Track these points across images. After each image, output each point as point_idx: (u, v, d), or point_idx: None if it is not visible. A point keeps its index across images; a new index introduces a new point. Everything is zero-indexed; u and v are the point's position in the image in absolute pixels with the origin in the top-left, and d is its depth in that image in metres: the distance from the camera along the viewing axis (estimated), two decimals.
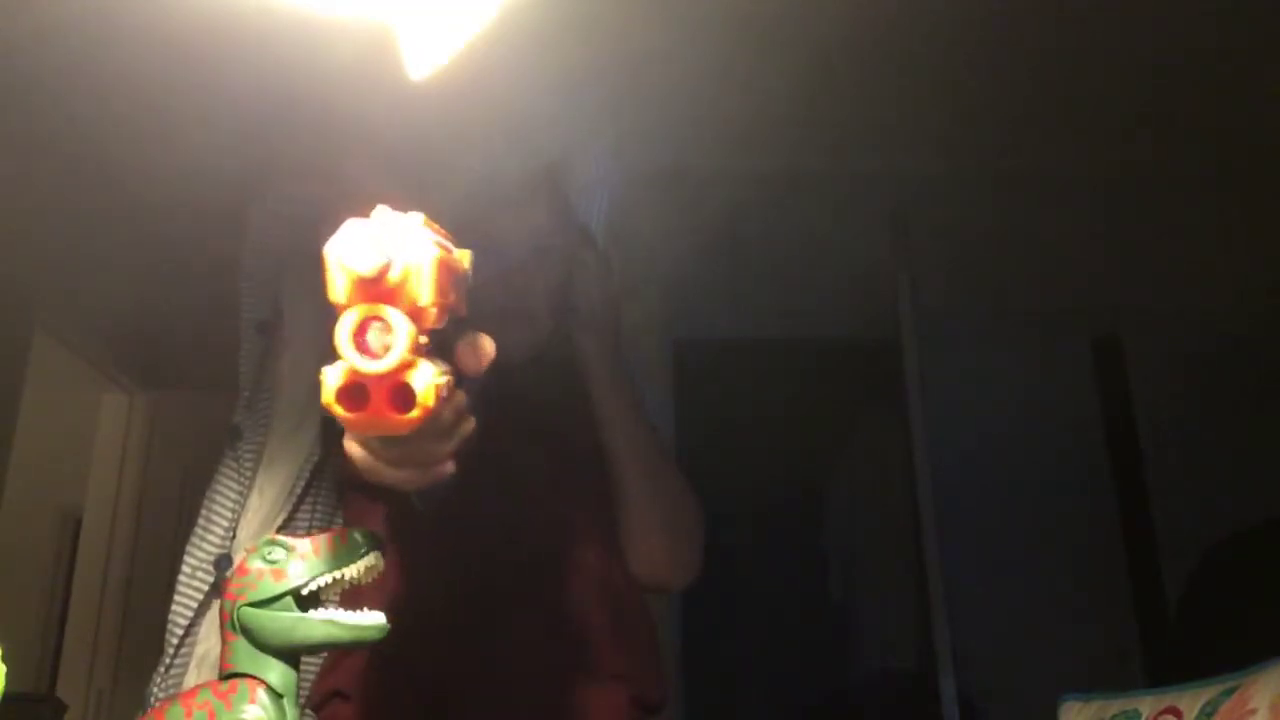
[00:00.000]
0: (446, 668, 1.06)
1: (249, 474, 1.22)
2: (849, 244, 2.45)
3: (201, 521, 1.23)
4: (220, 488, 1.24)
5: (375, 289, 0.57)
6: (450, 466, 0.70)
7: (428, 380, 0.59)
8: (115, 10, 1.67)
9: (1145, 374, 3.09)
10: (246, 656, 0.69)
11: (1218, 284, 2.64)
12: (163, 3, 1.60)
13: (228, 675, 0.69)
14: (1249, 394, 2.73)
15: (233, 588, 0.70)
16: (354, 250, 0.56)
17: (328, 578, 0.69)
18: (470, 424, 0.69)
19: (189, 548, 1.23)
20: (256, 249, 1.32)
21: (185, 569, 1.21)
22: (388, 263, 0.56)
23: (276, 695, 0.68)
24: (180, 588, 1.21)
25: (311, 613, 0.69)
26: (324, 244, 0.59)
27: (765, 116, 2.17)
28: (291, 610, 0.68)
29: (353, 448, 0.70)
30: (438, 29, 1.01)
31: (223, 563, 1.20)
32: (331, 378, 0.59)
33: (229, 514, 1.22)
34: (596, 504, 1.18)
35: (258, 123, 2.02)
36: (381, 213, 0.60)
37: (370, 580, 0.71)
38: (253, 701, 0.67)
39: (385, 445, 0.67)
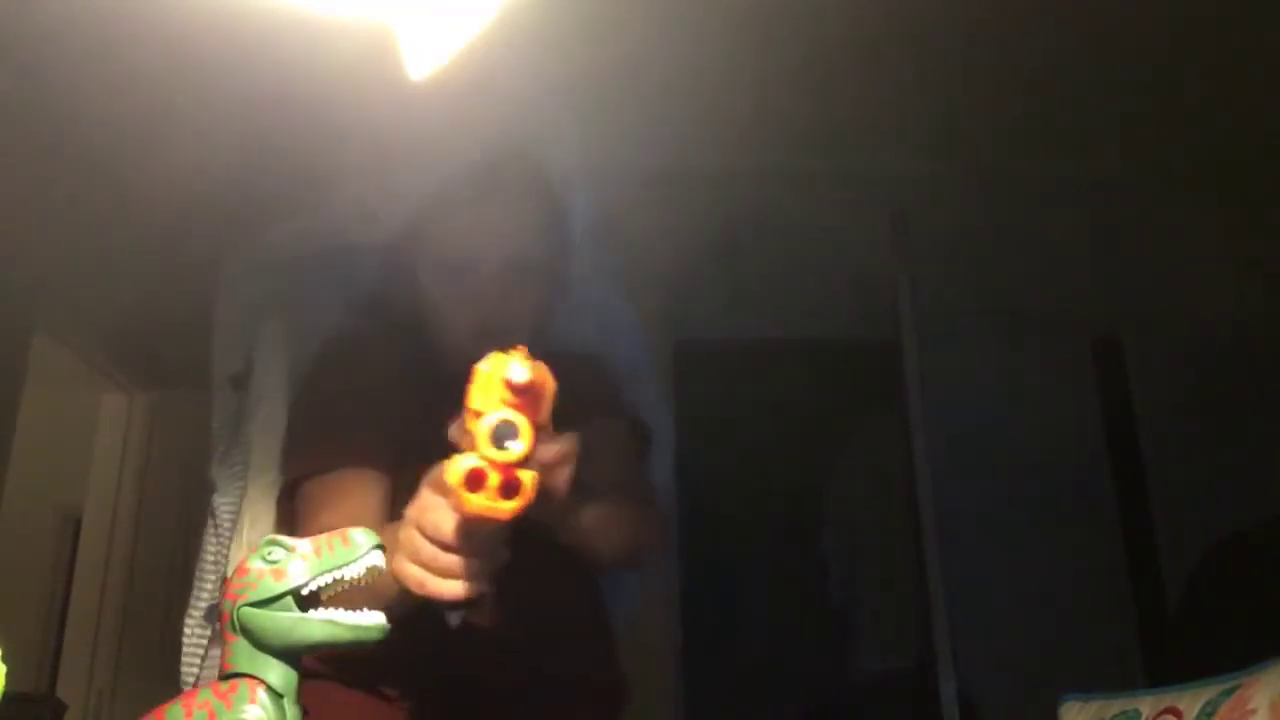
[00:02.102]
0: (422, 665, 1.05)
1: (226, 531, 1.23)
2: (849, 244, 2.44)
3: (195, 585, 1.25)
4: (205, 548, 1.25)
5: (518, 399, 0.72)
6: (488, 585, 0.80)
7: (531, 476, 0.73)
8: (116, 12, 1.67)
9: (1145, 374, 3.09)
10: (246, 656, 0.69)
11: (1218, 284, 2.64)
12: (163, 4, 1.60)
13: (228, 675, 0.69)
14: (1249, 394, 2.73)
15: (233, 588, 0.70)
16: (514, 366, 0.73)
17: (328, 578, 0.69)
18: (507, 554, 0.81)
19: (187, 612, 1.24)
20: (230, 301, 1.32)
21: (185, 631, 1.22)
22: (531, 378, 0.72)
23: (276, 695, 0.68)
24: (184, 648, 1.22)
25: (311, 613, 0.69)
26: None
27: (765, 116, 2.17)
28: (291, 610, 0.68)
29: (404, 567, 0.79)
30: (438, 29, 1.01)
31: (212, 613, 1.21)
32: (462, 464, 0.72)
33: (213, 570, 1.23)
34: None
35: (258, 123, 2.02)
36: (518, 355, 0.76)
37: (371, 580, 0.71)
38: (253, 701, 0.67)
39: (467, 541, 0.78)
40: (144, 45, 1.78)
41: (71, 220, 2.38)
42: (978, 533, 2.54)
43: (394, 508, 1.09)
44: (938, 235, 2.31)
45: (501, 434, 0.71)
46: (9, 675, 0.66)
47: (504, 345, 1.16)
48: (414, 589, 0.79)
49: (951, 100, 2.16)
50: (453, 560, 0.78)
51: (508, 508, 0.72)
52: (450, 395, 1.13)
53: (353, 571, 0.70)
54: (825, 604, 3.06)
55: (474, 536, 0.79)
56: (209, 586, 1.23)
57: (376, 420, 1.13)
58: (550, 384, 0.75)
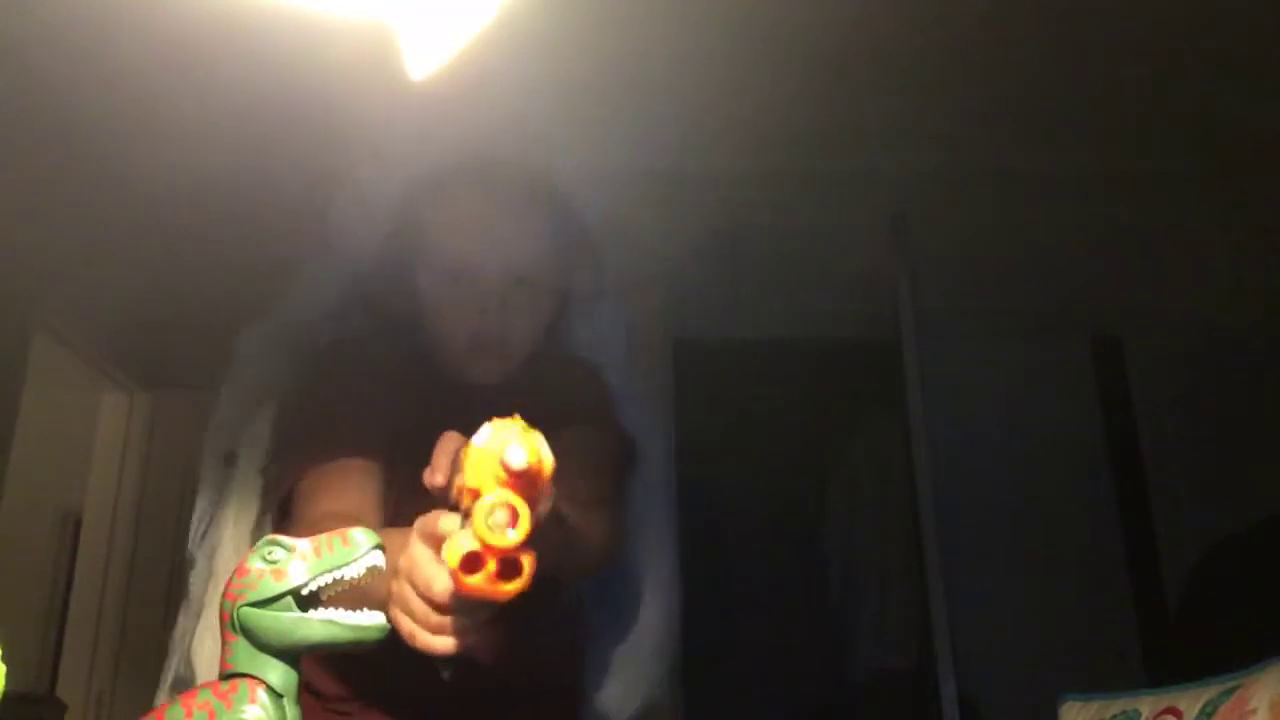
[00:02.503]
0: (405, 675, 1.05)
1: (195, 608, 1.22)
2: (849, 244, 2.45)
3: (167, 658, 1.24)
4: (176, 622, 1.25)
5: (515, 481, 0.70)
6: (475, 639, 0.79)
7: (530, 557, 0.71)
8: (116, 13, 1.67)
9: (1145, 374, 3.09)
10: (246, 656, 0.68)
11: (1218, 284, 2.64)
12: (163, 4, 1.60)
13: (228, 675, 0.69)
14: (1248, 394, 2.73)
15: (233, 588, 0.70)
16: (512, 450, 0.70)
17: (328, 578, 0.69)
18: (497, 606, 0.79)
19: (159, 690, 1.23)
20: (241, 381, 1.30)
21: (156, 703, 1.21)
22: (529, 464, 0.70)
23: (276, 695, 0.68)
24: None
25: (312, 613, 0.69)
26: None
27: (765, 116, 2.17)
28: (292, 610, 0.68)
29: (397, 617, 0.79)
30: (438, 29, 1.01)
31: (178, 685, 1.20)
32: (460, 545, 0.71)
33: (180, 645, 1.22)
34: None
35: (258, 123, 2.02)
36: (518, 422, 0.74)
37: (371, 580, 0.71)
38: (253, 701, 0.67)
39: (459, 602, 0.77)
40: (144, 46, 1.78)
41: (72, 220, 2.38)
42: (978, 532, 2.54)
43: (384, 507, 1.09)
44: (938, 235, 2.32)
45: (499, 520, 0.71)
46: (9, 675, 0.66)
47: (500, 358, 1.16)
48: (405, 639, 0.79)
49: (951, 100, 2.16)
50: (444, 619, 0.78)
51: (506, 590, 0.72)
52: (445, 400, 1.13)
53: (353, 571, 0.69)
54: (825, 604, 3.06)
55: (467, 598, 0.77)
56: (175, 661, 1.22)
57: (373, 420, 1.12)
58: (549, 460, 0.73)
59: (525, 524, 0.71)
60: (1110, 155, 2.33)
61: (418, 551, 0.79)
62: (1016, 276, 2.77)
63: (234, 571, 0.71)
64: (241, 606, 0.68)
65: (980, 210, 2.46)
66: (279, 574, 0.68)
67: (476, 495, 0.71)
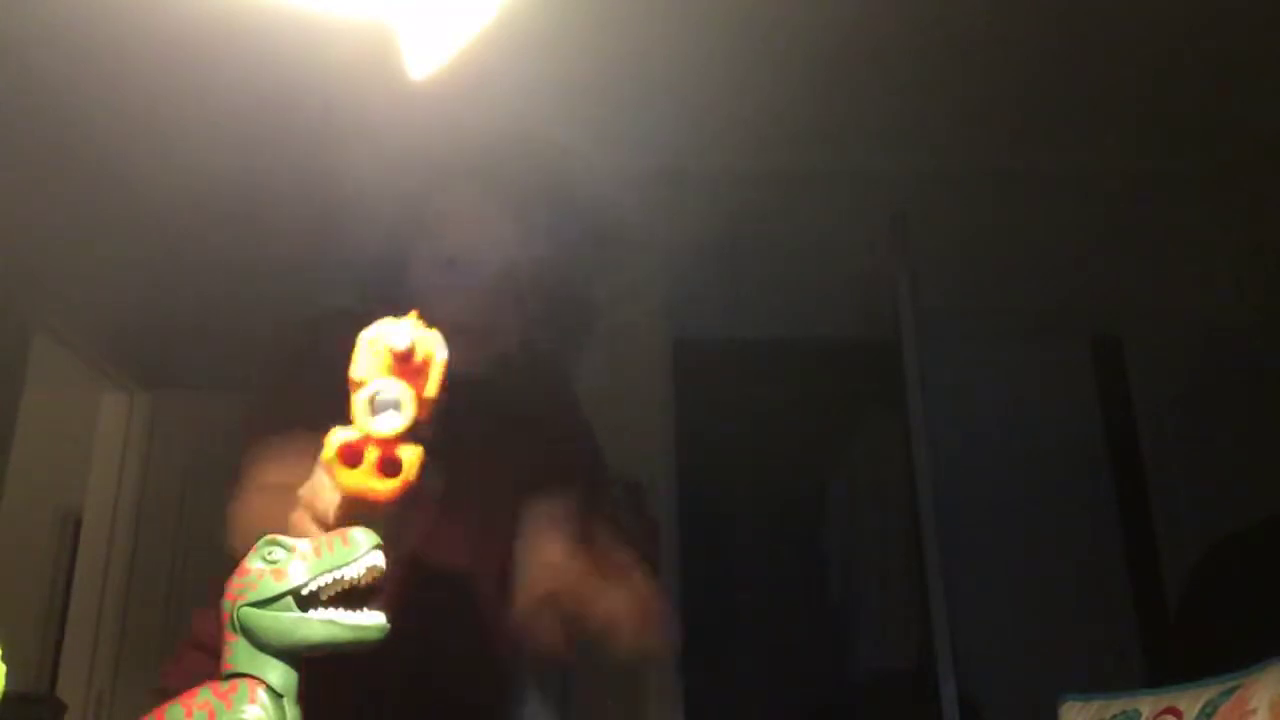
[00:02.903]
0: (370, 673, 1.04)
1: None
2: (849, 244, 2.45)
3: None
4: None
5: (401, 367, 0.67)
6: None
7: (412, 456, 0.68)
8: (115, 10, 1.67)
9: (1145, 374, 3.09)
10: (246, 656, 0.68)
11: (1218, 284, 2.64)
12: (164, 5, 1.60)
13: (228, 675, 0.69)
14: (1248, 394, 2.73)
15: (233, 588, 0.70)
16: (391, 332, 0.67)
17: (328, 578, 0.69)
18: (409, 543, 0.77)
19: None
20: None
21: None
22: (414, 344, 0.67)
23: (276, 695, 0.68)
24: None
25: (311, 613, 0.69)
26: None
27: (765, 116, 2.17)
28: (292, 610, 0.68)
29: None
30: (438, 29, 1.01)
31: None
32: (339, 436, 0.68)
33: None
34: (516, 525, 1.16)
35: (258, 123, 2.02)
36: (410, 320, 0.70)
37: (370, 581, 0.71)
38: (253, 701, 0.67)
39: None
40: (145, 46, 1.78)
41: (72, 220, 2.38)
42: (978, 532, 2.54)
43: None
44: (938, 235, 2.31)
45: (380, 405, 0.66)
46: (9, 675, 0.66)
47: (481, 346, 1.16)
48: None
49: (952, 100, 2.16)
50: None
51: (384, 488, 0.68)
52: None
53: (353, 571, 0.69)
54: (825, 604, 3.06)
55: (362, 520, 0.73)
56: None
57: (334, 395, 1.11)
58: (442, 355, 0.69)
59: (410, 412, 0.67)
60: (1110, 155, 2.33)
61: (320, 478, 0.76)
62: (1016, 276, 2.76)
63: (234, 571, 0.71)
64: (242, 606, 0.68)
65: (980, 210, 2.46)
66: (279, 574, 0.68)
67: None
